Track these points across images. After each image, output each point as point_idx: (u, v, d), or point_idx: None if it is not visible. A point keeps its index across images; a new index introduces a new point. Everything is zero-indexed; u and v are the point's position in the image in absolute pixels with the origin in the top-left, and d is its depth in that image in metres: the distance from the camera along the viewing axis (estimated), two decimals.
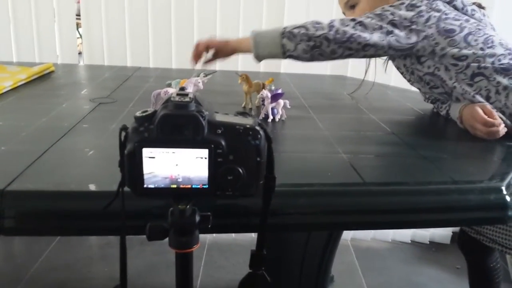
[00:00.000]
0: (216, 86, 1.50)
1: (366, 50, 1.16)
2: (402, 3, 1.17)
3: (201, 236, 0.63)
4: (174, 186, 0.57)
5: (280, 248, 1.23)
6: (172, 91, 1.13)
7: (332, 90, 1.69)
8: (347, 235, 2.36)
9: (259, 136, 0.58)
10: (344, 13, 1.38)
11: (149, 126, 0.55)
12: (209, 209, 0.62)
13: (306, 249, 1.27)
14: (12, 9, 2.17)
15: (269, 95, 1.16)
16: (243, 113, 0.62)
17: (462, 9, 1.21)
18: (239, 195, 0.60)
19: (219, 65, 2.18)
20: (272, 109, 1.17)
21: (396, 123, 1.22)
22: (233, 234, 2.30)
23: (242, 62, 2.18)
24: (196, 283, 1.91)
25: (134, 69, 1.87)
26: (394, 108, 1.42)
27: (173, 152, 0.56)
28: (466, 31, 1.15)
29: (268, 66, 2.18)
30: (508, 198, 0.82)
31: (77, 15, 2.31)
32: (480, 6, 1.26)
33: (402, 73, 1.30)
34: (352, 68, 2.17)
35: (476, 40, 1.15)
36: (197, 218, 0.60)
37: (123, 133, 0.57)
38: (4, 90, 1.34)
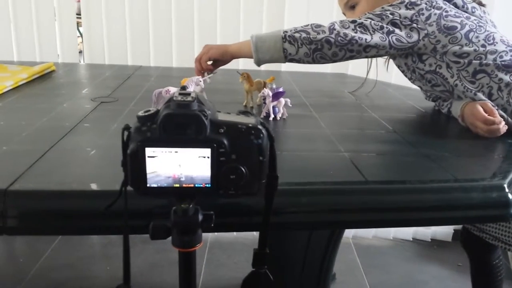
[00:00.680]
0: (217, 85, 1.50)
1: (368, 51, 1.16)
2: (402, 2, 1.17)
3: (203, 234, 0.63)
4: (177, 185, 0.57)
5: (282, 246, 1.23)
6: (173, 90, 1.13)
7: (333, 89, 1.69)
8: (349, 233, 2.36)
9: (261, 135, 0.58)
10: (344, 14, 1.37)
11: (151, 125, 0.55)
12: (212, 208, 0.62)
13: (308, 247, 1.27)
14: (12, 8, 2.18)
15: (270, 93, 1.16)
16: (245, 112, 0.62)
17: (463, 6, 1.21)
18: (241, 194, 0.60)
19: None
20: (274, 107, 1.17)
21: (398, 121, 1.22)
22: (234, 233, 2.30)
23: (243, 61, 2.18)
24: (198, 281, 1.91)
25: (135, 68, 1.87)
26: (395, 106, 1.42)
27: (176, 152, 0.56)
28: (467, 28, 1.15)
29: (269, 64, 2.18)
30: (510, 196, 0.82)
31: (77, 14, 2.31)
32: (480, 4, 1.26)
33: (403, 71, 1.30)
34: (353, 66, 2.17)
35: (477, 37, 1.15)
36: (200, 217, 0.61)
37: (126, 133, 0.57)
38: (5, 90, 1.34)
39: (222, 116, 0.59)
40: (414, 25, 1.14)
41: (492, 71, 1.13)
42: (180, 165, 0.56)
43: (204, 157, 0.57)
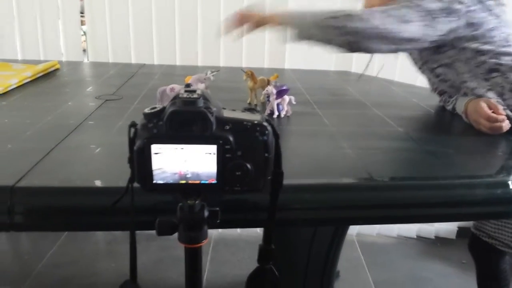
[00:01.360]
0: (221, 83, 1.50)
1: (407, 45, 1.12)
2: None
3: (207, 231, 0.63)
4: (183, 181, 0.58)
5: (286, 243, 1.24)
6: (178, 87, 1.13)
7: (337, 86, 1.69)
8: (353, 231, 2.36)
9: (266, 131, 0.59)
10: None
11: (158, 122, 0.56)
12: (218, 205, 0.63)
13: (313, 244, 1.27)
14: (16, 7, 2.18)
15: (274, 91, 1.16)
16: (251, 109, 0.62)
17: (485, 3, 1.18)
18: (247, 190, 0.60)
19: (223, 61, 2.20)
20: (278, 105, 1.17)
21: (402, 118, 1.22)
22: (238, 230, 2.31)
23: (247, 58, 2.19)
24: (203, 278, 1.92)
25: (139, 66, 1.87)
26: (399, 104, 1.42)
27: (182, 148, 0.56)
28: (489, 26, 1.13)
29: (272, 62, 2.19)
30: None
31: (81, 12, 2.31)
32: (500, 4, 1.22)
33: (414, 59, 1.28)
34: (357, 63, 2.17)
35: (497, 37, 1.13)
36: (206, 213, 0.61)
37: (132, 130, 0.57)
38: (10, 88, 1.35)
39: (227, 113, 0.59)
40: (444, 18, 1.10)
41: (505, 71, 1.13)
42: (186, 162, 0.57)
43: (210, 153, 0.57)
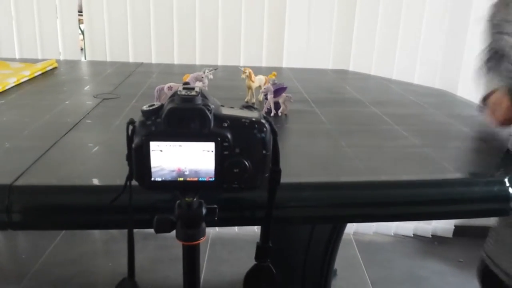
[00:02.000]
0: (219, 81, 1.50)
1: None
2: None
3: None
4: (181, 179, 0.58)
5: (284, 241, 1.24)
6: (176, 86, 1.13)
7: (334, 84, 1.69)
8: (350, 229, 2.37)
9: (264, 129, 0.59)
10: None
11: (156, 120, 0.56)
12: (216, 202, 0.63)
13: (310, 242, 1.28)
14: (14, 5, 2.18)
15: (272, 89, 1.16)
16: (249, 107, 0.62)
17: None
18: (245, 187, 0.60)
19: (221, 60, 2.20)
20: (275, 103, 1.17)
21: (399, 116, 1.22)
22: (236, 229, 2.31)
23: (245, 57, 2.19)
24: (200, 277, 1.92)
25: (137, 64, 1.87)
26: (396, 102, 1.43)
27: (180, 146, 0.56)
28: None
29: (270, 60, 2.19)
30: (510, 190, 0.82)
31: (78, 11, 2.31)
32: None
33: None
34: (354, 62, 2.18)
35: None
36: (204, 211, 0.61)
37: (131, 127, 0.57)
38: (7, 87, 1.34)
39: (225, 110, 0.59)
40: None
41: None
42: (184, 159, 0.57)
43: (208, 151, 0.57)
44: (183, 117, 0.56)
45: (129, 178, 0.60)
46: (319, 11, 2.15)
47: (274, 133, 0.60)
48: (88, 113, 1.13)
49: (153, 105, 0.57)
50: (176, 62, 2.21)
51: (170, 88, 1.13)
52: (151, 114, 0.56)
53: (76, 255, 2.09)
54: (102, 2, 2.17)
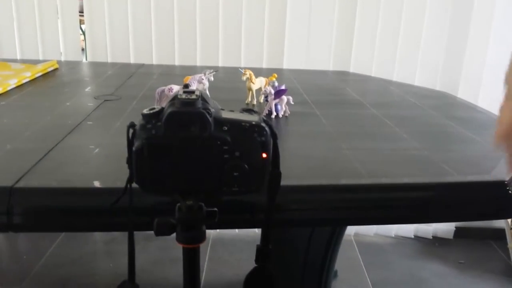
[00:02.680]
0: (219, 83, 1.50)
1: None
2: None
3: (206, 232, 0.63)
4: (181, 182, 0.58)
5: (284, 243, 1.24)
6: (176, 88, 1.13)
7: (335, 86, 1.69)
8: (350, 231, 2.37)
9: (264, 132, 0.59)
10: None
11: (156, 123, 0.56)
12: (216, 205, 0.63)
13: (310, 244, 1.28)
14: (15, 6, 2.18)
15: (273, 91, 1.16)
16: (249, 110, 0.62)
17: None
18: (245, 191, 0.61)
19: (222, 61, 2.20)
20: (276, 105, 1.18)
21: (400, 118, 1.22)
22: (236, 230, 2.31)
23: (245, 59, 2.19)
24: (201, 278, 1.92)
25: (138, 66, 1.88)
26: (397, 103, 1.43)
27: (180, 149, 0.56)
28: None
29: (270, 62, 2.19)
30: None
31: (80, 12, 2.31)
32: None
33: None
34: (355, 63, 2.18)
35: None
36: (204, 214, 0.61)
37: (131, 130, 0.57)
38: (9, 88, 1.35)
39: (225, 114, 0.59)
40: None
41: None
42: (184, 162, 0.57)
43: (208, 154, 0.57)
44: (183, 121, 0.56)
45: (129, 181, 0.60)
46: (320, 13, 2.15)
47: (274, 136, 0.61)
48: (89, 115, 1.13)
49: (154, 108, 0.57)
50: (177, 63, 2.21)
51: (170, 89, 1.13)
52: (151, 118, 0.56)
53: (76, 256, 2.09)
54: (103, 3, 2.18)
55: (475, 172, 0.90)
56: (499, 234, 2.33)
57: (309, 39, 2.18)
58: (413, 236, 2.41)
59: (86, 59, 2.31)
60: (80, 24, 2.32)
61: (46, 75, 1.59)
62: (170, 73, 1.79)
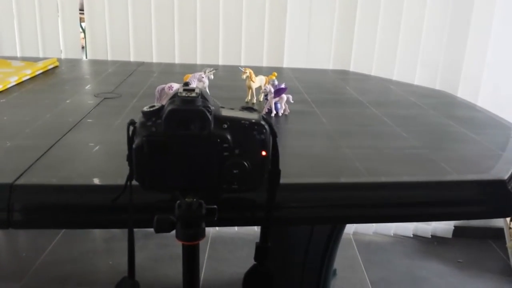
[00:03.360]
0: (219, 81, 1.51)
1: None
2: None
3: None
4: (181, 179, 0.58)
5: (283, 242, 1.25)
6: (176, 86, 1.14)
7: (335, 85, 1.69)
8: (349, 229, 2.37)
9: (264, 130, 0.59)
10: None
11: (156, 120, 0.56)
12: (215, 202, 0.63)
13: (310, 242, 1.28)
14: (15, 3, 2.18)
15: (272, 89, 1.17)
16: (249, 108, 0.63)
17: None
18: (244, 188, 0.61)
19: (222, 60, 2.20)
20: (275, 103, 1.18)
21: (400, 117, 1.23)
22: (236, 228, 2.32)
23: (245, 57, 2.19)
24: (200, 276, 1.93)
25: (138, 64, 1.88)
26: (397, 103, 1.43)
27: (180, 147, 0.57)
28: None
29: (271, 61, 2.20)
30: (511, 191, 0.82)
31: (80, 9, 2.32)
32: None
33: None
34: (355, 62, 2.18)
35: None
36: (204, 211, 0.61)
37: (131, 128, 0.58)
38: (9, 85, 1.35)
39: (225, 112, 0.60)
40: None
41: None
42: (184, 160, 0.57)
43: (208, 152, 0.57)
44: (183, 119, 0.56)
45: (129, 178, 0.60)
46: (320, 12, 2.16)
47: (273, 134, 0.61)
48: (89, 112, 1.13)
49: (154, 106, 0.58)
50: (177, 61, 2.21)
51: (170, 87, 1.14)
52: (151, 115, 0.57)
53: (76, 253, 2.09)
54: (104, 0, 2.18)
55: (474, 171, 0.90)
56: (498, 234, 2.33)
57: (309, 37, 2.19)
58: (412, 235, 2.42)
59: (86, 57, 2.31)
60: (80, 21, 2.32)
61: (46, 73, 1.59)
62: (170, 71, 1.79)
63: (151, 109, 0.57)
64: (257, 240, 0.70)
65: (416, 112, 1.32)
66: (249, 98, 1.31)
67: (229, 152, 0.58)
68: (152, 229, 0.62)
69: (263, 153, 0.60)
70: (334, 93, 1.53)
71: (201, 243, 0.63)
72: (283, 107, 1.18)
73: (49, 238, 2.17)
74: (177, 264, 0.66)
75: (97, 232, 2.28)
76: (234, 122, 0.58)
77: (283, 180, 0.64)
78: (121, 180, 0.62)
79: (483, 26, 2.11)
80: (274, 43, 2.18)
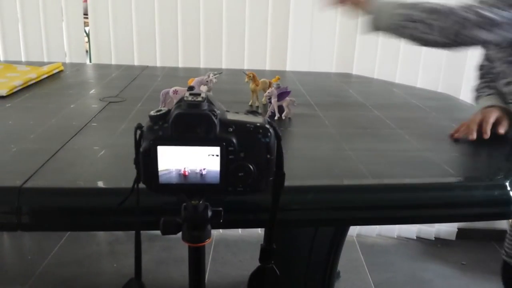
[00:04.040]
0: (223, 85, 1.52)
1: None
2: None
3: None
4: (188, 182, 0.59)
5: (287, 244, 1.25)
6: (181, 90, 1.15)
7: (338, 88, 1.70)
8: (353, 232, 2.38)
9: (269, 134, 0.60)
10: None
11: (163, 124, 0.57)
12: (221, 205, 0.64)
13: (313, 244, 1.29)
14: (20, 8, 2.20)
15: (276, 93, 1.18)
16: (253, 112, 0.64)
17: None
18: (249, 191, 0.62)
19: (225, 63, 2.21)
20: (279, 107, 1.19)
21: (402, 120, 1.23)
22: (239, 231, 2.32)
23: (248, 61, 2.20)
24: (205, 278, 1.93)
25: (142, 68, 1.89)
26: (399, 105, 1.44)
27: (186, 150, 0.58)
28: None
29: (274, 64, 2.20)
30: (511, 194, 0.83)
31: (84, 14, 2.33)
32: None
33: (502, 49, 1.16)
34: (358, 65, 2.19)
35: None
36: (209, 213, 0.62)
37: (138, 132, 0.59)
38: (15, 90, 1.36)
39: (230, 116, 0.61)
40: None
41: None
42: (190, 163, 0.58)
43: (214, 155, 0.58)
44: (189, 123, 0.57)
45: (136, 181, 0.61)
46: (323, 15, 2.16)
47: (278, 137, 0.62)
48: (94, 116, 1.14)
49: (160, 110, 0.59)
50: (180, 65, 2.22)
51: (175, 92, 1.15)
52: (158, 119, 0.58)
53: (81, 256, 2.10)
54: (108, 5, 2.19)
55: (476, 174, 0.91)
56: (502, 236, 2.33)
57: (312, 41, 2.19)
58: (415, 237, 2.42)
59: (90, 61, 2.32)
60: (85, 26, 2.34)
61: (51, 77, 1.61)
62: (174, 75, 1.80)
63: (158, 113, 0.58)
64: (261, 243, 0.71)
65: (419, 115, 1.33)
66: (253, 101, 1.32)
67: (234, 155, 0.59)
68: (157, 231, 0.63)
69: (268, 156, 0.61)
70: (337, 96, 1.54)
71: (206, 245, 0.64)
72: (287, 110, 1.19)
73: (54, 241, 2.18)
74: (182, 267, 0.67)
75: (102, 235, 2.28)
76: (239, 126, 0.59)
77: (287, 183, 0.65)
78: (126, 183, 0.63)
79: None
80: (277, 47, 2.19)
